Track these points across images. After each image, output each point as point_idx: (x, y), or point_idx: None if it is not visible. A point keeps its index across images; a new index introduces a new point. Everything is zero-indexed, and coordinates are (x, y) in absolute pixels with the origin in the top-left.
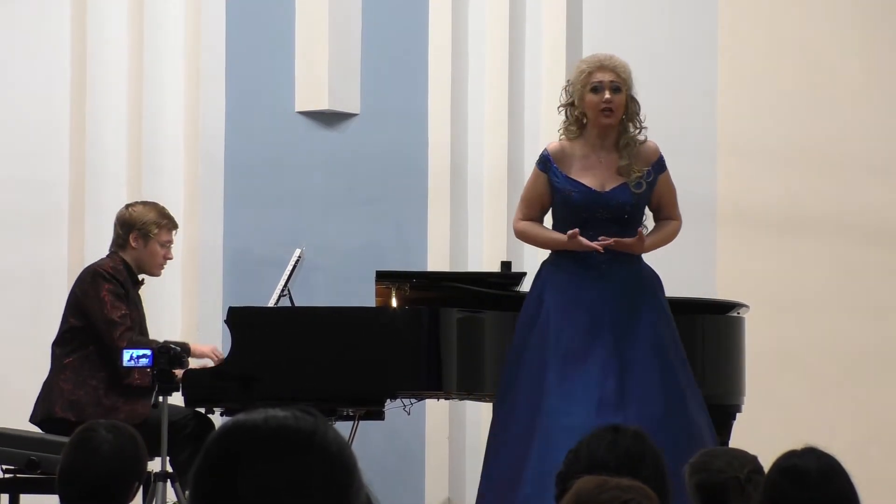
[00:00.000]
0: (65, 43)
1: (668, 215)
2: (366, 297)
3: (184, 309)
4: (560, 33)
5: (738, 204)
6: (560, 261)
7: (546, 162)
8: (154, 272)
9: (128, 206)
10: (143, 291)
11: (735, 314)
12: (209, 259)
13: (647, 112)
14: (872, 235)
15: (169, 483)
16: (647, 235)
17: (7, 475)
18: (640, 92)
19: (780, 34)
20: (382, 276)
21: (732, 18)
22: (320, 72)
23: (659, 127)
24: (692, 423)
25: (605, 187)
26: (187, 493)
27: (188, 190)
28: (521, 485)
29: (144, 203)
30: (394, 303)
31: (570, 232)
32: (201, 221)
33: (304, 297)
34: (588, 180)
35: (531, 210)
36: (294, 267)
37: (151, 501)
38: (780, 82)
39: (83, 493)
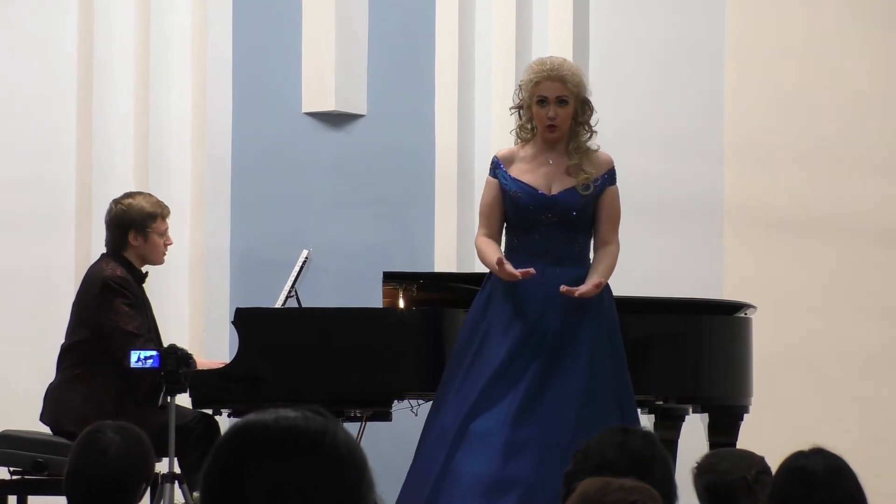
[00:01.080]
0: (72, 43)
1: (605, 237)
2: (373, 298)
3: (191, 310)
4: (567, 36)
5: (746, 204)
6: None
7: (496, 167)
8: (158, 261)
9: (116, 202)
10: (148, 293)
11: (742, 315)
12: (216, 260)
13: (654, 113)
14: (880, 236)
15: (177, 484)
16: (595, 268)
17: (14, 477)
18: (648, 93)
19: (787, 34)
20: (389, 277)
21: (739, 19)
22: (327, 73)
23: (666, 127)
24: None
25: (551, 189)
26: (195, 494)
27: (195, 190)
28: (429, 486)
29: (131, 196)
30: (401, 304)
31: (496, 259)
32: (208, 222)
33: (312, 298)
34: (535, 181)
35: (489, 221)
36: (301, 268)
37: (159, 503)
38: (787, 83)
39: (91, 494)
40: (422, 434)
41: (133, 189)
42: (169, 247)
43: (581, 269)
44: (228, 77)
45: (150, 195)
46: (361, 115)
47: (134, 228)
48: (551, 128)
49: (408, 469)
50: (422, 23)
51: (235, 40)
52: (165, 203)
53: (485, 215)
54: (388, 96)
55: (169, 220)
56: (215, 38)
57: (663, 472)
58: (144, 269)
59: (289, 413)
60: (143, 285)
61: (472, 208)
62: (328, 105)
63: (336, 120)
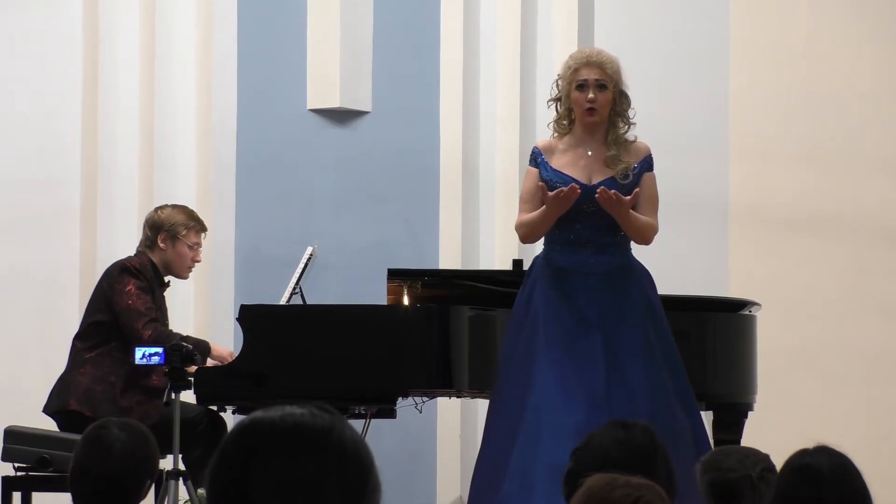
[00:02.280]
0: (76, 41)
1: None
2: (377, 295)
3: (196, 307)
4: (572, 31)
5: (751, 203)
6: (550, 256)
7: (536, 157)
8: (182, 274)
9: (157, 208)
10: None
11: (747, 312)
12: (221, 257)
13: (659, 113)
14: (885, 235)
15: (181, 481)
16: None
17: (19, 473)
18: (653, 93)
19: (792, 34)
20: (394, 275)
21: (744, 19)
22: (332, 69)
23: (671, 127)
24: (676, 422)
25: (592, 180)
26: (199, 490)
27: (200, 188)
28: (505, 480)
29: (174, 206)
30: (405, 301)
31: (546, 198)
32: (213, 219)
33: (316, 296)
34: (575, 173)
35: (531, 207)
36: (306, 265)
37: (163, 500)
38: (792, 82)
39: (95, 491)
40: (485, 429)
41: (137, 186)
42: (196, 264)
43: (624, 257)
44: (233, 74)
45: (192, 210)
46: (366, 112)
47: (164, 231)
48: (591, 111)
49: (415, 465)
50: (427, 19)
51: (240, 37)
52: (206, 226)
53: (526, 201)
54: (393, 93)
55: (203, 239)
56: (220, 36)
57: (665, 468)
58: (167, 278)
59: (295, 410)
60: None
61: (477, 205)
62: (333, 102)
63: (341, 117)
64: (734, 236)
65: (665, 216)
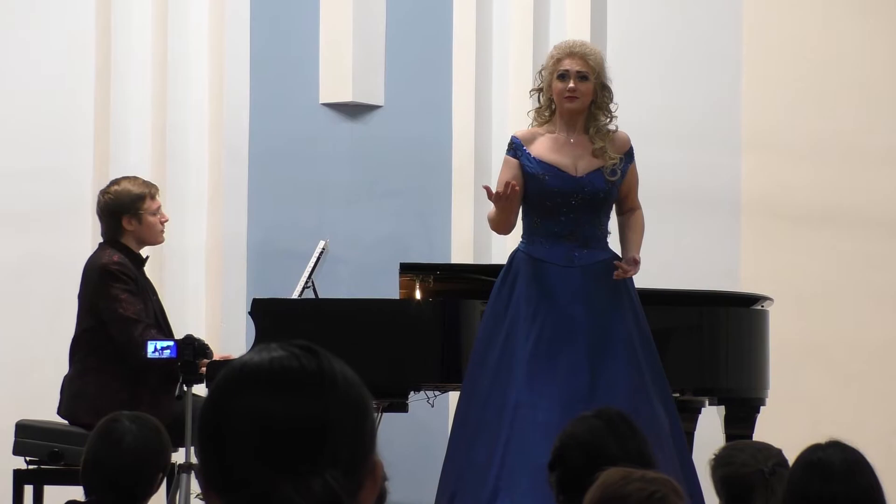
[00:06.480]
0: (89, 32)
1: (631, 205)
2: (389, 289)
3: (207, 300)
4: (584, 25)
5: (763, 196)
6: (531, 250)
7: (517, 148)
8: (157, 241)
9: (104, 192)
10: (165, 283)
11: (759, 307)
12: (233, 250)
13: (671, 105)
14: None
15: (193, 474)
16: (628, 238)
17: (31, 466)
18: (665, 85)
19: (805, 25)
20: (406, 268)
21: (756, 9)
22: (345, 63)
23: (683, 119)
24: (657, 420)
25: (578, 169)
26: None
27: (212, 181)
28: (488, 478)
29: (117, 182)
30: (417, 295)
31: (493, 198)
32: (225, 213)
33: (328, 289)
34: (559, 160)
35: None
36: (318, 259)
37: (175, 493)
38: (804, 74)
39: (107, 484)
40: (455, 429)
41: (148, 178)
42: (165, 224)
43: (606, 251)
44: (246, 67)
45: (135, 178)
46: (379, 106)
47: (126, 213)
48: (571, 98)
49: (423, 459)
50: (439, 13)
51: (253, 31)
52: (156, 184)
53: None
54: (405, 87)
55: (160, 198)
56: (233, 29)
57: (635, 444)
58: (145, 253)
59: (280, 351)
60: (146, 270)
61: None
62: (345, 96)
63: (353, 111)
64: (746, 230)
65: (676, 209)
